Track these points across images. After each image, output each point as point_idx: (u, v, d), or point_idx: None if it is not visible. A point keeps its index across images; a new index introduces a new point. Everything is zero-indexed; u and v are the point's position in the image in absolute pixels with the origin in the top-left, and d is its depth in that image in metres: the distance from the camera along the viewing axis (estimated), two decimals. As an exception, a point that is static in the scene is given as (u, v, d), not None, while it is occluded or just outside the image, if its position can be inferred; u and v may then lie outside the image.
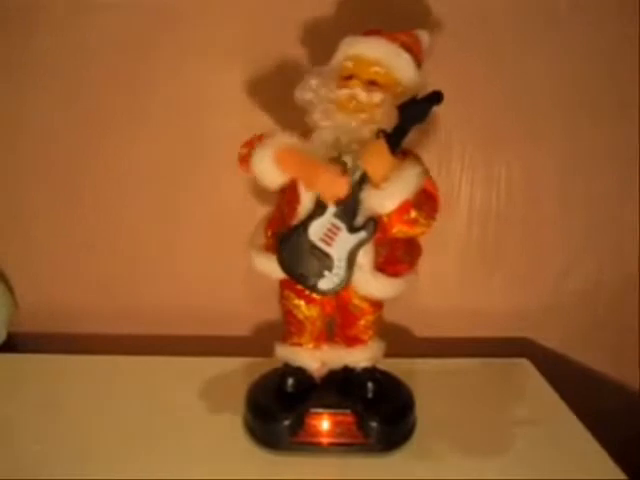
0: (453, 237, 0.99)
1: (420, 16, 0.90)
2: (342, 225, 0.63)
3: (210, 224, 0.96)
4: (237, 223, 0.91)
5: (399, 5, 0.89)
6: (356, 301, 0.70)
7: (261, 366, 0.79)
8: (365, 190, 0.62)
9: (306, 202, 0.64)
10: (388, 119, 0.62)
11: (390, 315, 0.77)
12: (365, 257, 0.65)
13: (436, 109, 0.62)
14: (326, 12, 0.89)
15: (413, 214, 0.62)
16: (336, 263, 0.63)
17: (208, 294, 0.99)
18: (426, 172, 0.65)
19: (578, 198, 0.98)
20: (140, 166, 0.95)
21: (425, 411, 0.75)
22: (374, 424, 0.70)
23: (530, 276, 1.01)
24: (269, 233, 0.70)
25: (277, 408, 0.72)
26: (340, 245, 0.63)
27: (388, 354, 0.75)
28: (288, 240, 0.64)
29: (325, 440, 0.71)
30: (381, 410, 0.71)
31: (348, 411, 0.71)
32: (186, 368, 0.88)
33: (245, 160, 0.67)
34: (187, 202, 0.96)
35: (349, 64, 0.65)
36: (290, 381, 0.73)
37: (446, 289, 1.00)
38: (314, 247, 0.63)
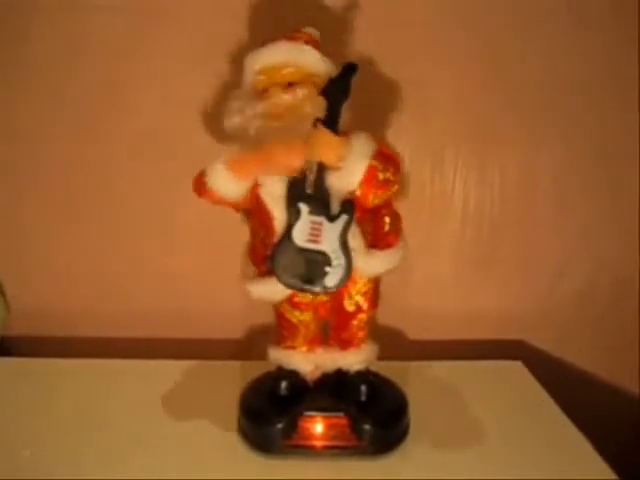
0: (447, 239, 0.99)
1: (417, 18, 0.90)
2: (321, 219, 0.64)
3: (204, 227, 0.96)
4: (231, 226, 0.91)
5: (396, 9, 0.89)
6: (349, 298, 0.70)
7: (255, 369, 0.79)
8: (328, 177, 0.63)
9: (278, 214, 0.65)
10: (318, 108, 0.64)
11: (383, 318, 0.77)
12: (355, 239, 0.65)
13: (356, 79, 0.64)
14: (320, 14, 0.89)
15: (381, 176, 0.64)
16: (332, 255, 0.64)
17: (202, 297, 0.99)
18: (372, 136, 0.66)
19: (573, 200, 0.99)
20: (134, 168, 0.95)
21: (419, 414, 0.75)
22: (367, 427, 0.70)
23: (524, 278, 1.01)
24: (256, 263, 0.70)
25: (270, 411, 0.72)
26: (328, 237, 0.64)
27: (382, 357, 0.75)
28: (278, 256, 0.64)
29: (318, 443, 0.71)
30: (374, 413, 0.71)
31: (341, 414, 0.71)
32: (180, 371, 0.88)
33: (202, 187, 0.68)
34: (181, 205, 0.95)
35: (261, 77, 0.66)
36: (283, 384, 0.73)
37: (440, 291, 1.01)
38: (305, 251, 0.64)
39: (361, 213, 0.66)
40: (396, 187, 0.66)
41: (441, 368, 0.91)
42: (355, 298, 0.70)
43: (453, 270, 1.01)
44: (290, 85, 0.65)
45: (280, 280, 0.65)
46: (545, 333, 1.03)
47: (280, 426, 0.70)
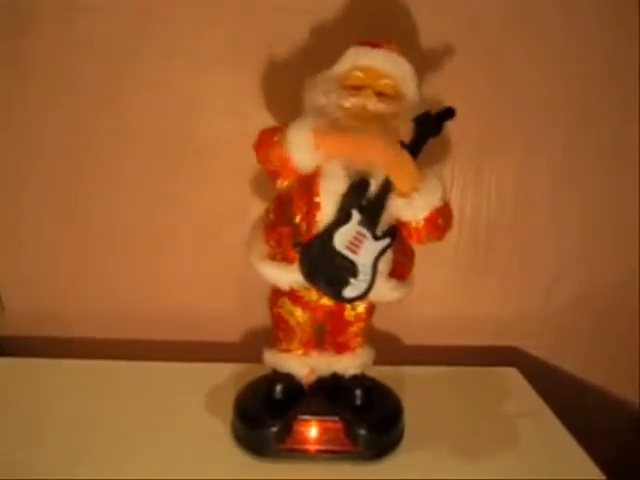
0: (443, 245, 0.97)
1: (418, 26, 0.90)
2: (367, 232, 0.63)
3: (200, 230, 0.96)
4: (226, 229, 0.91)
5: (394, 13, 0.90)
6: (350, 309, 0.70)
7: (250, 372, 0.79)
8: (391, 199, 0.63)
9: (326, 209, 0.63)
10: (406, 131, 0.64)
11: (379, 323, 0.77)
12: (384, 264, 0.65)
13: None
14: (315, 15, 0.89)
15: (440, 221, 0.65)
16: (361, 269, 0.63)
17: (197, 300, 0.98)
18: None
19: (569, 206, 0.99)
20: (130, 169, 0.95)
21: (413, 419, 0.75)
22: (362, 431, 0.70)
23: (520, 285, 1.02)
24: (272, 242, 0.68)
25: (265, 414, 0.72)
26: (366, 252, 0.63)
27: (377, 362, 0.75)
28: (313, 248, 0.64)
29: (313, 447, 0.71)
30: (369, 417, 0.71)
31: (336, 418, 0.71)
32: (174, 374, 0.88)
33: (272, 141, 0.65)
34: (177, 207, 0.95)
35: (359, 74, 0.65)
36: (278, 387, 0.73)
37: (436, 297, 1.00)
38: (340, 255, 0.63)
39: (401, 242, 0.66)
40: (445, 235, 0.67)
41: (436, 374, 0.91)
42: (358, 310, 0.71)
43: (449, 276, 1.01)
44: (380, 95, 0.64)
45: (303, 270, 0.64)
46: (540, 340, 1.03)
47: (274, 430, 0.70)
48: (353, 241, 0.63)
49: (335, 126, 0.64)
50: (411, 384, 0.85)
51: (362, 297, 0.64)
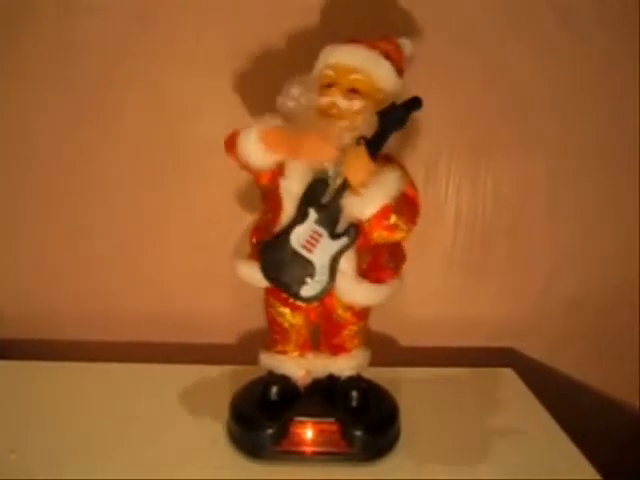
0: (439, 246, 0.99)
1: (413, 24, 0.90)
2: (324, 231, 0.63)
3: (194, 231, 0.96)
4: (221, 230, 0.91)
5: (392, 13, 0.90)
6: (340, 311, 0.70)
7: (245, 374, 0.79)
8: (345, 196, 0.63)
9: (288, 209, 0.64)
10: (368, 126, 0.63)
11: (375, 324, 0.77)
12: (347, 263, 0.65)
13: (416, 115, 0.63)
14: (312, 17, 0.89)
15: (393, 219, 0.63)
16: (318, 270, 0.64)
17: (193, 302, 0.98)
18: (406, 176, 0.65)
19: (565, 208, 0.99)
20: (123, 172, 0.94)
21: (409, 420, 0.75)
22: (358, 433, 0.70)
23: (516, 286, 1.02)
24: (254, 240, 0.70)
25: (261, 416, 0.71)
26: (322, 251, 0.63)
27: (373, 363, 0.75)
28: (270, 247, 0.65)
29: (309, 449, 0.71)
30: (365, 419, 0.71)
31: (332, 420, 0.71)
32: (170, 376, 0.87)
33: (231, 144, 0.67)
34: (171, 209, 0.95)
35: (329, 72, 0.66)
36: (274, 389, 0.73)
37: (432, 298, 1.00)
38: (296, 254, 0.64)
39: (366, 243, 0.65)
40: (403, 235, 0.65)
41: (432, 375, 0.91)
42: (343, 315, 0.70)
43: (445, 278, 1.01)
44: (352, 91, 0.64)
45: (261, 267, 0.65)
46: (536, 341, 1.03)
47: (270, 431, 0.70)
48: (309, 240, 0.63)
49: (284, 125, 0.65)
50: (407, 385, 0.85)
51: (319, 297, 0.65)
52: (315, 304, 0.69)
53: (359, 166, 0.62)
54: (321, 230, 0.63)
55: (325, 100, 0.64)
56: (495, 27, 0.92)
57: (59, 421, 0.77)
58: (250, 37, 0.89)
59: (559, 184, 0.98)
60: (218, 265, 0.93)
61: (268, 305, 0.72)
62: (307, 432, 0.71)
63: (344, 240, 0.63)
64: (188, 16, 0.90)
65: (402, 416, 0.74)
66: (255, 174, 0.69)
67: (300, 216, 0.64)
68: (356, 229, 0.63)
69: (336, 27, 0.88)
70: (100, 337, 1.00)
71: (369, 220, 0.63)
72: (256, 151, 0.65)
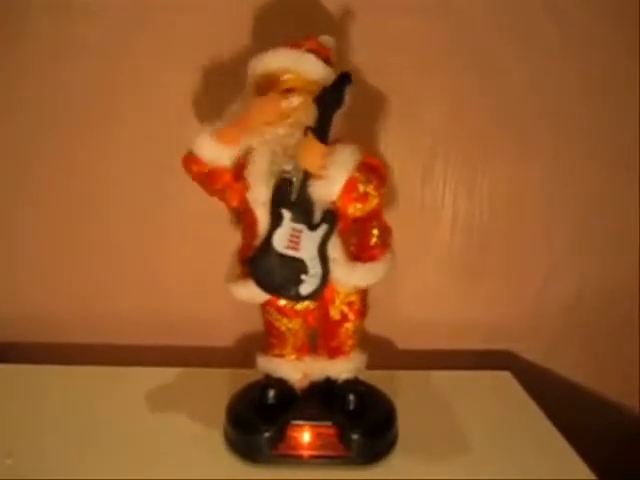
0: (436, 249, 0.99)
1: (411, 32, 0.90)
2: (302, 226, 0.64)
3: (193, 234, 0.96)
4: (219, 233, 0.91)
5: (388, 23, 0.90)
6: (336, 305, 0.70)
7: (243, 377, 0.79)
8: (311, 185, 0.64)
9: (262, 219, 0.65)
10: (311, 115, 0.64)
11: (372, 327, 0.77)
12: (335, 250, 0.65)
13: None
14: (309, 19, 0.89)
15: (361, 188, 0.64)
16: (309, 264, 0.64)
17: (190, 305, 0.98)
18: (360, 148, 0.66)
19: (561, 211, 0.99)
20: (122, 174, 0.94)
21: (407, 423, 0.74)
22: (356, 436, 0.70)
23: (512, 289, 1.02)
24: (238, 262, 0.70)
25: (258, 420, 0.71)
26: (307, 246, 0.64)
27: (370, 366, 0.75)
28: (257, 259, 0.65)
29: (306, 452, 0.71)
30: (363, 422, 0.71)
31: (329, 423, 0.71)
32: (167, 379, 0.88)
33: (189, 159, 0.68)
34: (169, 211, 0.95)
35: (261, 81, 0.67)
36: (271, 393, 0.73)
37: (429, 301, 1.01)
38: (283, 257, 0.64)
39: (347, 224, 0.66)
40: (376, 200, 0.65)
41: (429, 378, 0.92)
42: (340, 307, 0.70)
43: (442, 281, 1.01)
44: (288, 91, 0.66)
45: (256, 283, 0.65)
46: (533, 343, 1.03)
47: (267, 435, 0.70)
48: (291, 239, 0.64)
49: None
50: (404, 388, 0.85)
51: (319, 290, 0.65)
52: (313, 307, 0.69)
53: (311, 152, 0.63)
54: (299, 226, 0.64)
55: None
56: (492, 32, 0.92)
57: (57, 424, 0.77)
58: (250, 38, 0.89)
59: (554, 187, 0.98)
60: (216, 268, 0.93)
61: (265, 311, 0.73)
62: (304, 435, 0.70)
63: (324, 227, 0.64)
64: (186, 17, 0.90)
65: (399, 419, 0.74)
66: (224, 197, 0.70)
67: (275, 220, 0.64)
68: (332, 213, 0.64)
69: (330, 28, 0.88)
70: (97, 340, 1.00)
71: (339, 197, 0.64)
72: (214, 149, 0.66)
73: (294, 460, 0.70)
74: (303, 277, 0.64)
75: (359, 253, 0.68)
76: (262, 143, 0.66)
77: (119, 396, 0.83)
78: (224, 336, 1.00)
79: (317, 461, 0.70)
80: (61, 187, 0.95)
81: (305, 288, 0.65)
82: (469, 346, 1.02)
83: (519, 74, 0.94)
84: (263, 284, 0.65)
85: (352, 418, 0.71)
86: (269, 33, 0.89)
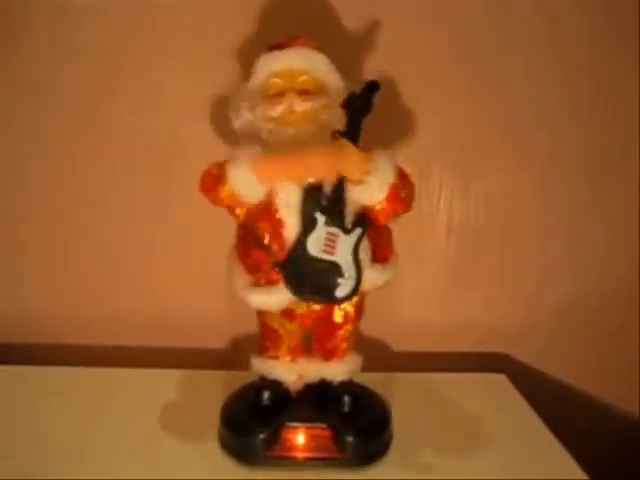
0: (431, 252, 1.00)
1: (402, 35, 0.91)
2: (337, 230, 0.63)
3: (188, 236, 0.96)
4: (215, 234, 0.90)
5: (387, 30, 0.90)
6: (339, 311, 0.70)
7: (237, 379, 0.78)
8: (348, 190, 0.63)
9: (291, 223, 0.64)
10: (337, 119, 0.64)
11: (368, 329, 0.77)
12: (364, 253, 0.65)
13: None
14: (307, 20, 0.89)
15: (402, 194, 0.65)
16: (344, 267, 0.64)
17: (185, 306, 0.98)
18: (394, 153, 0.66)
19: (556, 214, 0.99)
20: (119, 175, 0.94)
21: (402, 426, 0.74)
22: (350, 438, 0.70)
23: (508, 292, 1.02)
24: (250, 269, 0.68)
25: (252, 422, 0.71)
26: (342, 250, 0.64)
27: (365, 368, 0.74)
28: (290, 263, 0.64)
29: (301, 454, 0.70)
30: (357, 424, 0.71)
31: (324, 425, 0.70)
32: (161, 380, 0.87)
33: (214, 188, 0.66)
34: (164, 213, 0.95)
35: (277, 80, 0.65)
36: (266, 394, 0.73)
37: (424, 304, 1.01)
38: (318, 261, 0.63)
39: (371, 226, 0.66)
40: (411, 205, 0.67)
41: (425, 380, 0.91)
42: (346, 309, 0.70)
43: (437, 283, 1.01)
44: (304, 93, 0.65)
45: (291, 289, 0.64)
46: (529, 346, 1.03)
47: (262, 437, 0.69)
48: (327, 243, 0.63)
49: (272, 151, 0.64)
50: (400, 391, 0.85)
51: (355, 291, 0.65)
52: (314, 309, 0.69)
53: (352, 159, 0.62)
54: (334, 230, 0.63)
55: (281, 108, 0.64)
56: (488, 39, 0.92)
57: (53, 426, 0.77)
58: (246, 39, 0.89)
59: (549, 192, 0.98)
60: (210, 270, 0.93)
61: (262, 314, 0.72)
62: (299, 437, 0.70)
63: (358, 231, 0.64)
64: (184, 19, 0.90)
65: (394, 421, 0.74)
66: (231, 207, 0.67)
67: (309, 224, 0.63)
68: (364, 217, 0.64)
69: (329, 30, 0.89)
70: (92, 342, 1.00)
71: (383, 202, 0.64)
72: (251, 184, 0.64)
73: (289, 462, 0.70)
74: (340, 280, 0.64)
75: (374, 255, 0.67)
76: (279, 142, 0.64)
77: (114, 397, 0.83)
78: (218, 338, 1.00)
79: (312, 463, 0.70)
80: (59, 188, 0.95)
81: (341, 291, 0.64)
82: (464, 349, 1.03)
83: (515, 81, 0.94)
84: (300, 290, 0.64)
85: (347, 420, 0.71)
86: (270, 35, 0.89)
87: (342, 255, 0.64)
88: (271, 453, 0.70)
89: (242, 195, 0.65)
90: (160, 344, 1.00)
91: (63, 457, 0.70)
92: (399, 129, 0.94)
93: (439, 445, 0.76)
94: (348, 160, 0.62)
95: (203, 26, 0.90)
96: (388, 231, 0.71)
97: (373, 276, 0.66)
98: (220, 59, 0.90)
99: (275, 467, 0.69)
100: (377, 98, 0.64)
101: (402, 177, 0.65)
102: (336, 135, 0.63)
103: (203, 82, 0.91)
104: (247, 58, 0.89)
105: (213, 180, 0.66)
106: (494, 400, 0.88)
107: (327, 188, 0.63)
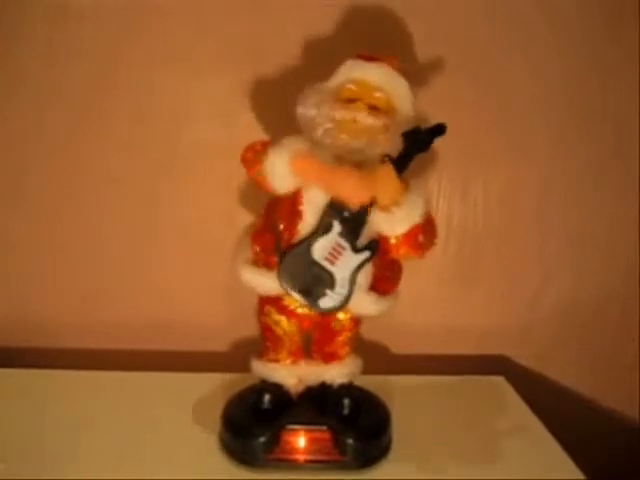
0: (431, 255, 0.98)
1: (404, 38, 0.91)
2: (346, 245, 0.64)
3: (188, 238, 0.96)
4: (215, 237, 0.91)
5: (386, 27, 0.90)
6: (340, 316, 0.70)
7: (238, 382, 0.79)
8: (372, 212, 0.64)
9: (308, 219, 0.64)
10: (391, 145, 0.64)
11: (367, 332, 0.77)
12: (363, 277, 0.65)
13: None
14: (306, 26, 0.90)
15: (421, 238, 0.65)
16: (339, 282, 0.64)
17: (186, 309, 0.98)
18: (427, 194, 0.67)
19: (555, 217, 1.00)
20: (117, 177, 0.94)
21: (402, 428, 0.75)
22: (350, 441, 0.70)
23: (507, 294, 1.02)
24: (257, 248, 0.69)
25: (253, 424, 0.71)
26: (344, 264, 0.64)
27: (365, 371, 0.75)
28: (291, 256, 0.65)
29: (301, 457, 0.71)
30: (357, 427, 0.71)
31: (324, 428, 0.71)
32: (162, 383, 0.87)
33: (252, 164, 0.67)
34: (164, 216, 0.95)
35: (352, 87, 0.66)
36: (267, 397, 0.73)
37: (423, 306, 1.01)
38: (317, 265, 0.64)
39: (379, 257, 0.66)
40: (424, 253, 0.66)
41: (424, 383, 0.92)
42: (343, 322, 0.71)
43: (436, 286, 1.01)
44: (373, 108, 0.64)
45: (281, 279, 0.65)
46: (528, 349, 1.04)
47: (262, 439, 0.70)
48: (332, 252, 0.64)
49: (316, 154, 0.64)
50: (399, 393, 0.85)
51: (338, 309, 0.65)
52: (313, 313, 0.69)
53: (391, 185, 0.63)
54: (344, 243, 0.64)
55: (346, 114, 0.64)
56: (488, 39, 0.92)
57: (51, 429, 0.77)
58: (244, 41, 0.90)
59: (548, 195, 0.99)
60: (211, 273, 0.94)
61: (263, 314, 0.72)
62: (299, 440, 0.71)
63: (366, 254, 0.64)
64: (181, 20, 0.90)
65: (394, 424, 0.74)
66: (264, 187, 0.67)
67: (324, 228, 0.64)
68: (377, 243, 0.64)
69: (329, 38, 0.89)
70: (93, 345, 1.00)
71: (399, 238, 0.64)
72: (284, 175, 0.64)
73: (289, 464, 0.70)
74: (328, 292, 0.64)
75: (376, 284, 0.68)
76: (331, 145, 0.64)
77: (115, 400, 0.83)
78: (219, 341, 1.00)
79: (312, 466, 0.70)
80: (57, 191, 0.95)
81: (325, 302, 0.65)
82: (463, 351, 1.03)
83: (515, 81, 0.94)
84: (287, 283, 0.65)
85: (347, 423, 0.71)
86: (271, 36, 0.90)
87: (341, 270, 0.64)
88: (272, 456, 0.70)
89: (271, 181, 0.65)
90: (161, 347, 1.00)
91: (63, 459, 0.71)
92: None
93: (439, 448, 0.76)
94: (386, 184, 0.63)
95: (202, 28, 0.90)
96: (399, 267, 0.71)
97: (365, 303, 0.67)
98: (221, 61, 0.90)
99: (275, 470, 0.70)
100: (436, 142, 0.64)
101: (428, 222, 0.65)
102: (385, 159, 0.63)
103: (202, 83, 0.91)
104: (247, 58, 0.90)
105: (253, 155, 0.67)
106: (494, 402, 0.88)
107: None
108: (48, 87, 0.92)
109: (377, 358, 0.97)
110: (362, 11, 0.90)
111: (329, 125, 0.64)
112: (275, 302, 0.70)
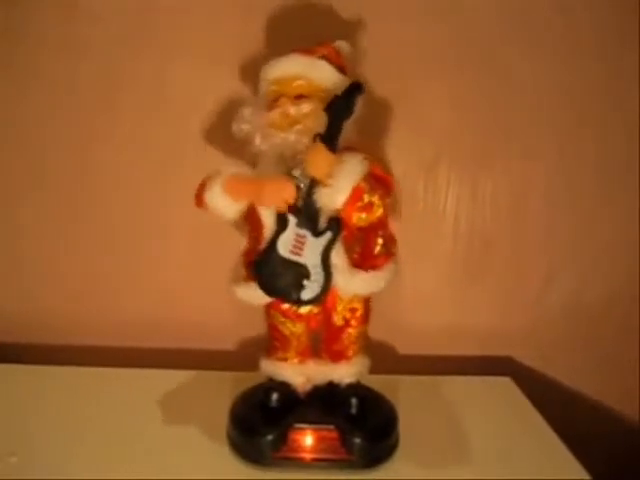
0: (438, 254, 1.00)
1: (411, 36, 0.91)
2: (306, 232, 0.65)
3: (195, 237, 0.96)
4: (222, 236, 0.91)
5: (390, 26, 0.91)
6: (339, 311, 0.70)
7: (246, 380, 0.79)
8: (317, 192, 0.64)
9: (268, 223, 0.66)
10: (320, 123, 0.64)
11: (374, 332, 0.77)
12: (338, 257, 0.66)
13: (361, 99, 0.65)
14: (313, 17, 0.90)
15: (366, 199, 0.65)
16: (312, 270, 0.65)
17: (193, 308, 0.98)
18: (368, 159, 0.66)
19: (563, 216, 0.99)
20: (124, 176, 0.95)
21: (408, 428, 0.75)
22: (357, 440, 0.70)
23: (514, 295, 1.02)
24: (244, 265, 0.71)
25: (261, 423, 0.72)
26: (310, 252, 0.65)
27: (372, 371, 0.75)
28: (261, 262, 0.66)
29: (308, 456, 0.71)
30: (364, 426, 0.72)
31: (331, 427, 0.71)
32: (170, 381, 0.88)
33: (200, 202, 0.70)
34: (171, 214, 0.96)
35: (274, 87, 0.68)
36: (274, 396, 0.73)
37: (431, 307, 1.01)
38: (287, 261, 0.65)
39: (352, 232, 0.67)
40: (380, 210, 0.66)
41: (431, 383, 0.92)
42: (343, 314, 0.71)
43: (444, 286, 1.01)
44: (299, 97, 0.66)
45: (259, 286, 0.66)
46: (534, 349, 1.03)
47: (270, 438, 0.70)
48: (295, 244, 0.65)
49: (243, 172, 0.68)
50: (406, 393, 0.85)
51: (320, 296, 0.66)
52: (316, 311, 0.70)
53: (320, 160, 0.64)
54: (304, 232, 0.65)
55: (276, 112, 0.66)
56: (495, 35, 0.93)
57: (58, 426, 0.77)
58: (254, 37, 0.90)
59: (557, 192, 0.98)
60: (219, 271, 0.94)
61: (268, 315, 0.73)
62: (306, 439, 0.71)
63: (328, 235, 0.65)
64: (190, 14, 0.90)
65: (401, 423, 0.75)
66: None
67: (281, 224, 0.65)
68: (337, 221, 0.65)
69: (336, 29, 0.89)
70: (100, 342, 1.01)
71: (344, 206, 0.64)
72: (223, 203, 0.68)
73: (296, 463, 0.71)
74: (305, 282, 0.65)
75: (362, 261, 0.68)
76: (271, 147, 0.66)
77: (122, 398, 0.84)
78: (227, 339, 1.01)
79: (319, 464, 0.71)
80: (64, 187, 0.95)
81: (306, 293, 0.66)
82: (470, 352, 1.03)
83: (523, 78, 0.94)
84: (266, 287, 0.66)
85: (354, 422, 0.72)
86: (273, 36, 0.90)
87: (310, 258, 0.65)
88: (279, 454, 0.70)
89: (220, 212, 0.68)
90: (169, 345, 1.00)
91: (68, 456, 0.71)
92: (406, 129, 0.94)
93: (445, 447, 0.76)
94: (315, 161, 0.64)
95: (209, 27, 0.91)
96: (388, 239, 0.70)
97: (351, 282, 0.67)
98: (226, 59, 0.91)
99: (283, 468, 0.70)
100: (360, 100, 0.64)
101: (372, 181, 0.65)
102: (315, 138, 0.64)
103: (208, 81, 0.92)
104: (252, 58, 0.90)
105: (199, 198, 0.70)
106: (499, 403, 0.89)
107: (302, 190, 0.65)
108: (56, 84, 0.92)
109: (384, 358, 0.98)
110: (364, 11, 0.90)
111: (264, 130, 0.66)
112: (278, 307, 0.71)
